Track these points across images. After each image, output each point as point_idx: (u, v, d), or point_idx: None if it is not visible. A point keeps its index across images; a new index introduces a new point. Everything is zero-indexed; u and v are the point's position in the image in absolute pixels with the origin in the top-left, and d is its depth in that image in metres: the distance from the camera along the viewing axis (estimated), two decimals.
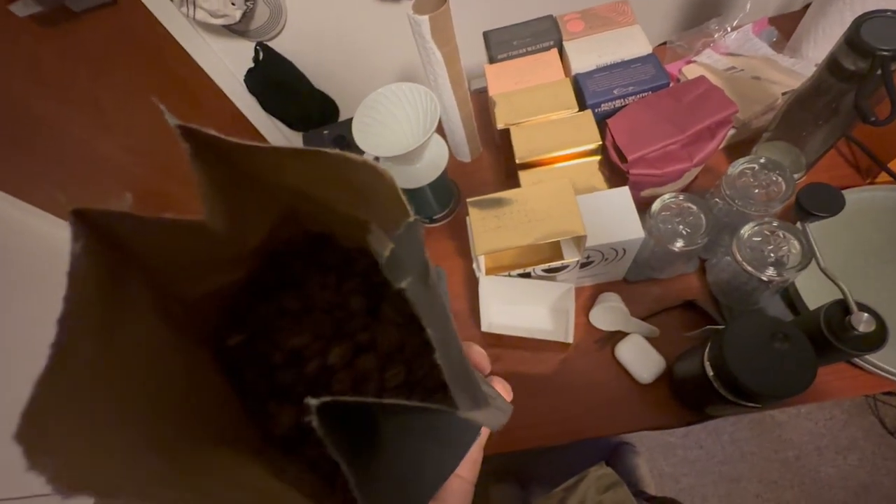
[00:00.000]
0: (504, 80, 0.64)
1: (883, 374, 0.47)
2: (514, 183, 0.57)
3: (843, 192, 0.56)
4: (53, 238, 1.44)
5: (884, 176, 0.57)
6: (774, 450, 1.08)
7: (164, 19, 0.89)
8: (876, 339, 0.38)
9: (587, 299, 0.60)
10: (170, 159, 1.24)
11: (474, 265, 0.50)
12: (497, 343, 0.59)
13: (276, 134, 1.22)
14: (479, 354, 0.24)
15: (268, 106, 1.05)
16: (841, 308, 0.40)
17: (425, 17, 0.51)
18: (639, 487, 0.99)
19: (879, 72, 0.42)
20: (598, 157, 0.57)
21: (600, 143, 0.55)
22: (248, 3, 0.82)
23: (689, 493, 1.07)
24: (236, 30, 0.91)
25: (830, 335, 0.39)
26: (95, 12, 0.85)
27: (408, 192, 0.62)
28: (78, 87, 0.98)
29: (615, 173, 0.58)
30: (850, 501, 1.01)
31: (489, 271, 0.54)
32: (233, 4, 0.79)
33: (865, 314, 0.38)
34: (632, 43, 0.62)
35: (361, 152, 0.57)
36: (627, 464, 1.04)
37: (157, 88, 1.03)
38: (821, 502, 1.02)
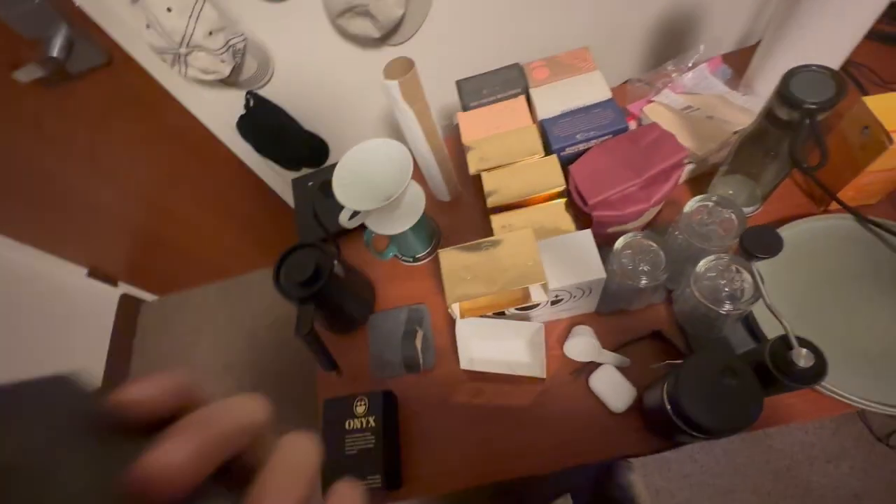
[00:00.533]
0: (476, 127, 0.68)
1: (838, 397, 0.50)
2: (490, 220, 0.61)
3: (798, 221, 0.60)
4: (68, 283, 1.51)
5: (836, 204, 0.61)
6: (766, 460, 1.10)
7: (158, 76, 0.94)
8: (815, 374, 0.41)
9: (563, 331, 0.63)
10: (166, 201, 1.29)
11: (449, 310, 0.53)
12: (479, 378, 0.63)
13: (271, 173, 1.27)
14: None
15: (261, 149, 1.10)
16: (784, 343, 0.43)
17: (395, 82, 0.55)
18: None
19: (808, 122, 0.46)
20: (564, 199, 0.61)
21: (564, 186, 0.59)
22: (236, 59, 0.87)
23: None
24: (227, 82, 0.97)
25: (775, 369, 0.42)
26: (93, 73, 0.90)
27: (391, 236, 0.66)
28: (79, 142, 1.03)
29: (581, 213, 0.62)
30: None
31: (466, 313, 0.57)
32: (222, 62, 0.84)
33: (804, 350, 0.41)
34: (593, 88, 0.66)
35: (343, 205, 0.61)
36: (622, 481, 1.06)
37: (152, 137, 1.08)
38: None
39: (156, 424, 0.14)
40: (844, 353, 0.52)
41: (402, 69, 0.57)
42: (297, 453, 0.15)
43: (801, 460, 1.09)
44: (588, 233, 0.54)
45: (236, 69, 0.91)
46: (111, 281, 1.66)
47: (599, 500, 1.10)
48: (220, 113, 1.07)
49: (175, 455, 0.12)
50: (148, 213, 1.33)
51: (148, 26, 0.76)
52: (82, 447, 0.12)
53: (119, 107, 0.99)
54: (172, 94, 0.98)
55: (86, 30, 0.83)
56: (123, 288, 1.73)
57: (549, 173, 0.60)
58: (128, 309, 1.76)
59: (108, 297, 1.69)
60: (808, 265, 0.59)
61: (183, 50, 0.79)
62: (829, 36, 0.60)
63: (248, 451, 0.15)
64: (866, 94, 0.56)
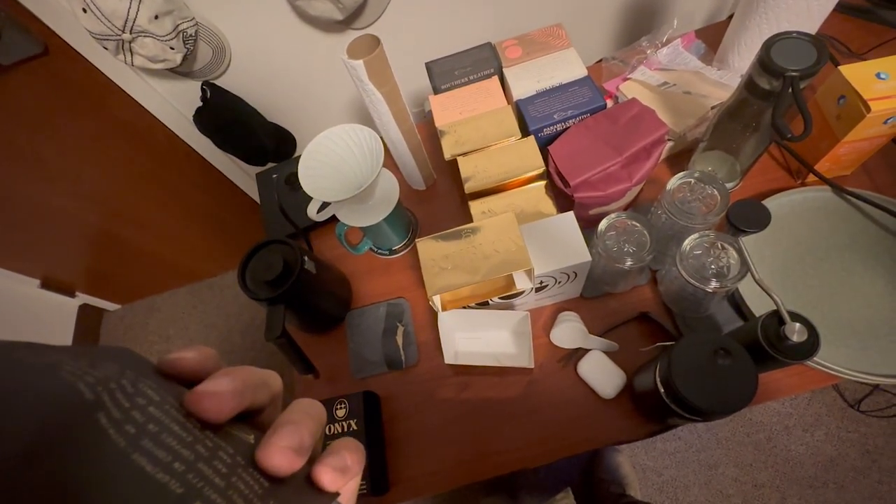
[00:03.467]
0: (449, 111, 0.65)
1: (825, 370, 0.50)
2: (468, 207, 0.58)
3: (777, 194, 0.60)
4: (19, 296, 1.40)
5: (813, 177, 0.61)
6: (747, 433, 1.12)
7: (102, 66, 0.87)
8: (809, 348, 0.40)
9: (548, 318, 0.61)
10: (123, 203, 1.20)
11: (430, 302, 0.50)
12: (464, 371, 0.60)
13: (235, 169, 1.20)
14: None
15: (222, 143, 1.03)
16: (776, 318, 0.42)
17: (360, 62, 0.52)
18: (623, 489, 1.01)
19: (791, 90, 0.45)
20: (543, 182, 0.58)
21: (544, 168, 0.56)
22: (187, 46, 0.81)
23: (672, 485, 1.10)
24: (180, 72, 0.90)
25: (767, 345, 0.41)
26: (27, 64, 0.82)
27: (365, 228, 0.62)
28: (18, 140, 0.94)
29: (562, 195, 0.60)
30: (820, 475, 1.06)
31: (448, 304, 0.55)
32: (171, 49, 0.78)
33: (798, 324, 0.40)
34: (568, 66, 0.64)
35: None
36: (610, 463, 1.07)
37: (103, 134, 1.00)
38: (793, 479, 1.07)
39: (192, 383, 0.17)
40: (830, 325, 0.52)
41: (368, 48, 0.53)
42: (307, 403, 0.19)
43: (779, 430, 1.11)
44: (571, 215, 0.52)
45: (189, 57, 0.85)
46: (68, 292, 1.56)
47: (588, 483, 1.11)
48: (174, 106, 1.00)
49: (222, 385, 0.16)
50: (104, 217, 1.24)
51: (84, 10, 0.69)
52: (154, 377, 0.15)
53: (61, 101, 0.91)
54: (120, 86, 0.91)
55: (14, 15, 0.75)
56: (82, 298, 1.63)
57: (527, 155, 0.58)
58: (88, 320, 1.66)
59: (65, 308, 1.59)
60: (788, 239, 0.58)
61: (126, 36, 0.72)
62: (802, 7, 0.59)
63: (267, 409, 0.19)
64: (837, 65, 0.55)
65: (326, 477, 0.17)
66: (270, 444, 0.16)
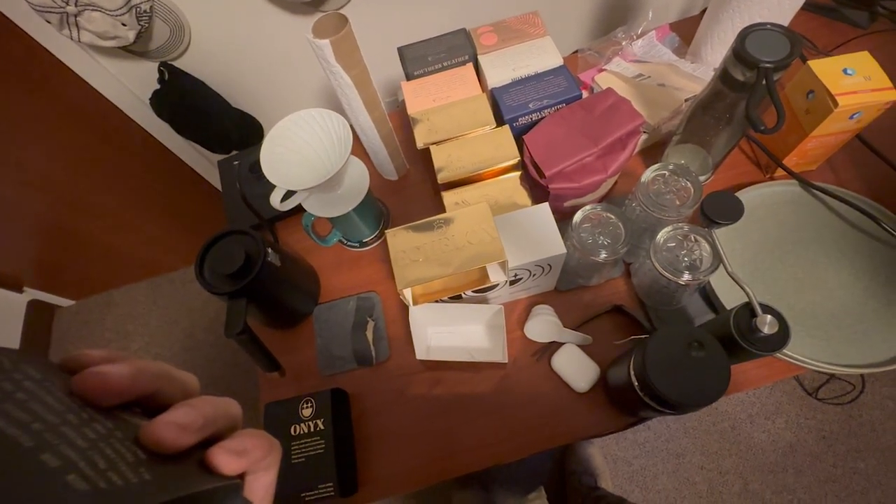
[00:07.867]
0: (422, 98, 0.63)
1: (791, 361, 0.51)
2: (442, 198, 0.56)
3: (747, 188, 0.60)
4: None
5: (781, 171, 0.61)
6: (713, 422, 1.15)
7: (46, 41, 0.80)
8: (779, 340, 0.40)
9: (523, 311, 0.60)
10: (73, 192, 1.13)
11: (401, 296, 0.48)
12: (437, 367, 0.59)
13: (197, 157, 1.14)
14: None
15: (181, 129, 0.97)
16: (748, 311, 0.42)
17: (326, 42, 0.49)
18: (595, 480, 1.02)
19: (764, 82, 0.44)
20: (518, 173, 0.57)
21: (519, 159, 0.55)
22: (141, 23, 0.75)
23: (642, 474, 1.13)
24: (134, 50, 0.84)
25: (740, 337, 0.41)
26: None
27: (333, 219, 0.59)
28: None
29: (537, 186, 0.58)
30: (780, 461, 1.10)
31: (420, 298, 0.53)
32: (123, 25, 0.72)
33: (769, 316, 0.40)
34: (544, 55, 0.62)
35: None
36: (582, 455, 1.08)
37: (48, 117, 0.92)
38: (755, 465, 1.11)
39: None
40: (796, 317, 0.53)
41: (335, 27, 0.50)
42: (219, 399, 0.18)
43: (743, 419, 1.15)
44: (546, 206, 0.51)
45: (143, 35, 0.79)
46: (14, 287, 1.46)
47: (561, 474, 1.12)
48: (128, 87, 0.94)
49: (116, 369, 0.15)
50: (53, 207, 1.16)
51: None
52: (45, 365, 0.15)
53: (0, 80, 0.84)
54: (67, 64, 0.84)
55: None
56: (31, 294, 1.53)
57: (502, 145, 0.56)
58: (39, 317, 1.55)
59: (12, 305, 1.48)
60: (757, 232, 0.59)
61: (71, 9, 0.67)
62: (774, 2, 0.60)
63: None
64: (805, 61, 0.56)
65: (219, 458, 0.16)
66: (156, 419, 0.15)
